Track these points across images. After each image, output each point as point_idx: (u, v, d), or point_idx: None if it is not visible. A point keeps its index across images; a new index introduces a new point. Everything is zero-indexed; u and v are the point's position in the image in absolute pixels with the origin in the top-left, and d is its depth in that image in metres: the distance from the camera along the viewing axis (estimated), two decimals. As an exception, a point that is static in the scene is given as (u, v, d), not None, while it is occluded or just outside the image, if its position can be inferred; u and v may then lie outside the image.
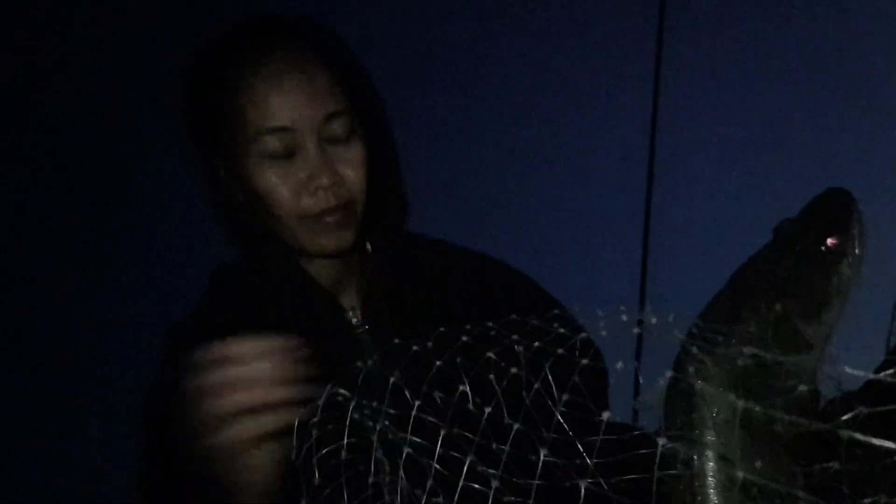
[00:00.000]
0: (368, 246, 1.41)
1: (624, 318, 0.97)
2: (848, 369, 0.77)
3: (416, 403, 0.91)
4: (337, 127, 1.26)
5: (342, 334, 1.38)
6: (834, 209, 1.09)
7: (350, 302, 1.43)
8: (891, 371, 1.06)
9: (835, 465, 0.85)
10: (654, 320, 0.94)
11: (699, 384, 0.91)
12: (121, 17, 3.65)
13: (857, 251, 1.07)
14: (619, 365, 0.95)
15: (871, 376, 0.80)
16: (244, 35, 1.27)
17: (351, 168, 1.28)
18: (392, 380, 0.93)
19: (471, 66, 3.48)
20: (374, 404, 0.95)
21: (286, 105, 1.20)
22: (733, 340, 0.94)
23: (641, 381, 0.95)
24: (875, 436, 0.94)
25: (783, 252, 1.08)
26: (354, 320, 1.40)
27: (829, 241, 1.06)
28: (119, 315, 3.82)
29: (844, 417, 0.78)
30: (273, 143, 1.23)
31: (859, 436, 0.70)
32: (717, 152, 3.44)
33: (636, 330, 0.92)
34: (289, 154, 1.24)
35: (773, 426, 0.88)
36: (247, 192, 1.30)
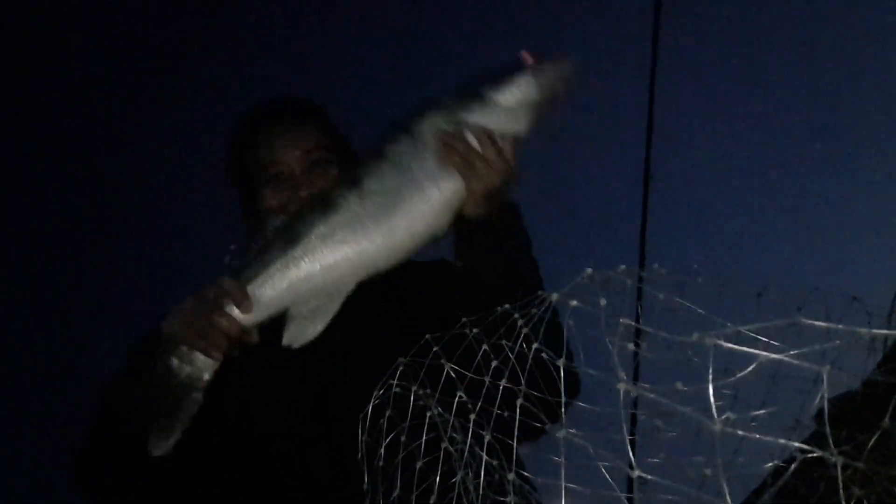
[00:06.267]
0: None
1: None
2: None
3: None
4: (314, 157, 1.84)
5: None
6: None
7: None
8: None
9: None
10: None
11: None
12: (121, 16, 3.67)
13: (547, 74, 1.59)
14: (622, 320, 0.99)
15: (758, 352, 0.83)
16: (259, 111, 1.95)
17: (328, 183, 1.80)
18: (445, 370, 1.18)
19: (468, 67, 3.51)
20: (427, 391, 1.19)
21: (280, 147, 1.84)
22: None
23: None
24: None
25: None
26: None
27: (524, 55, 1.59)
28: (117, 315, 3.83)
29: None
30: (273, 168, 1.84)
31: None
32: (713, 151, 3.48)
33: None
34: (283, 177, 1.83)
35: None
36: (261, 208, 1.85)
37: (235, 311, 1.58)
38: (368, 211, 1.60)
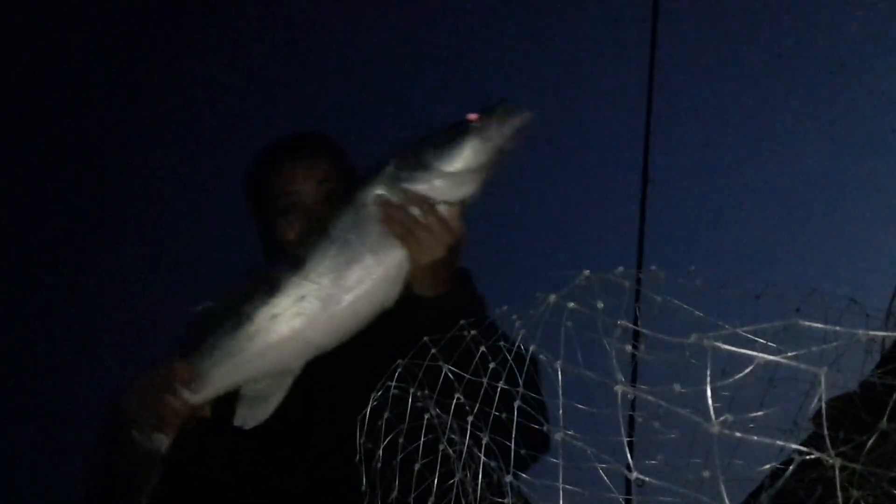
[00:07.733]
0: None
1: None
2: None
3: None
4: (327, 188, 1.85)
5: None
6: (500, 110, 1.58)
7: None
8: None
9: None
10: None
11: None
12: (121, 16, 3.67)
13: (493, 136, 1.54)
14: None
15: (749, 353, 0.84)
16: (275, 145, 1.98)
17: None
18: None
19: (469, 68, 3.51)
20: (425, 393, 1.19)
21: (293, 177, 1.86)
22: None
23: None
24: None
25: None
26: None
27: (470, 116, 1.56)
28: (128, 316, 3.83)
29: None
30: (287, 198, 1.85)
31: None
32: (711, 153, 3.48)
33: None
34: (296, 206, 1.84)
35: None
36: (277, 239, 1.88)
37: (185, 392, 1.63)
38: (312, 292, 1.60)
